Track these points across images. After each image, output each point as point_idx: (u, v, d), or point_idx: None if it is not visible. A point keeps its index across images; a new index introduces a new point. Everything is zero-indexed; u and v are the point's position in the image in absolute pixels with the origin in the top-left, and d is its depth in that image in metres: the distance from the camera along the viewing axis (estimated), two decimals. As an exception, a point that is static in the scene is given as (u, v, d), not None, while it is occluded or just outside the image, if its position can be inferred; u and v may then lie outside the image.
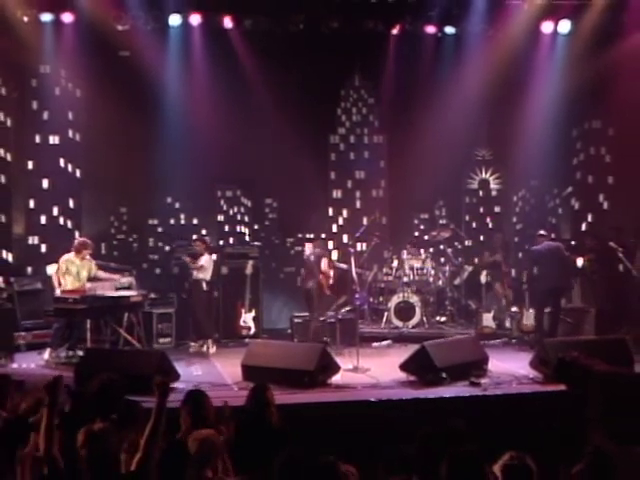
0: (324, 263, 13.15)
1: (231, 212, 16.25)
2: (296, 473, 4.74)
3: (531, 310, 13.17)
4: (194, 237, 14.43)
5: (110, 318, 12.28)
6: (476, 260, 15.39)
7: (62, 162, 14.61)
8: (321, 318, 13.05)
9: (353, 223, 15.86)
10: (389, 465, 5.27)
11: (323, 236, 14.69)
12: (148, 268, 15.34)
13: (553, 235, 14.43)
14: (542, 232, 13.42)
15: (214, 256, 13.27)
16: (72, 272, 12.05)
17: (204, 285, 13.17)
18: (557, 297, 13.09)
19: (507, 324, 13.86)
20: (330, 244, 15.86)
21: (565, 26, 14.52)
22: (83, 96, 14.67)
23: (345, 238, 15.85)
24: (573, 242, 14.95)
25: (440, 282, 14.66)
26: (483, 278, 14.33)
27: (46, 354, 11.82)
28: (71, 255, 12.14)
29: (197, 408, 6.20)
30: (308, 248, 13.74)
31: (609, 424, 5.96)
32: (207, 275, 13.17)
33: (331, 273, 13.22)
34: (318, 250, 13.38)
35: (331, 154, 16.55)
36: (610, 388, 6.89)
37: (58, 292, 11.98)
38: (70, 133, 14.71)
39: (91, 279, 12.23)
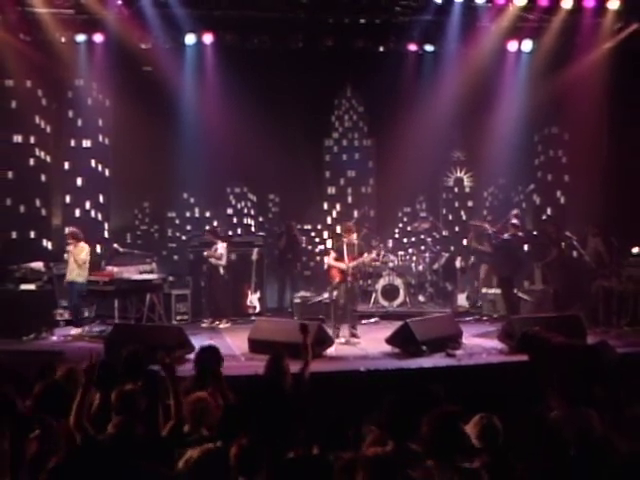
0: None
1: (239, 206, 16.27)
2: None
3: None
4: (206, 228, 14.45)
5: (135, 298, 12.41)
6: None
7: (93, 163, 14.59)
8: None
9: (345, 216, 15.87)
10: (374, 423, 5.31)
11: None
12: (167, 255, 15.39)
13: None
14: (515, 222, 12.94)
15: (224, 244, 13.26)
16: (68, 259, 12.03)
17: (221, 270, 13.16)
18: None
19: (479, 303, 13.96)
20: (325, 234, 15.92)
21: (528, 45, 14.48)
22: (111, 105, 14.67)
23: (338, 229, 15.86)
24: (535, 232, 14.99)
25: (421, 267, 14.68)
26: (458, 263, 14.39)
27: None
28: (70, 246, 12.12)
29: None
30: None
31: (564, 389, 6.02)
32: (223, 261, 13.14)
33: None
34: None
35: (326, 155, 16.56)
36: (566, 358, 6.96)
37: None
38: (100, 138, 14.69)
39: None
